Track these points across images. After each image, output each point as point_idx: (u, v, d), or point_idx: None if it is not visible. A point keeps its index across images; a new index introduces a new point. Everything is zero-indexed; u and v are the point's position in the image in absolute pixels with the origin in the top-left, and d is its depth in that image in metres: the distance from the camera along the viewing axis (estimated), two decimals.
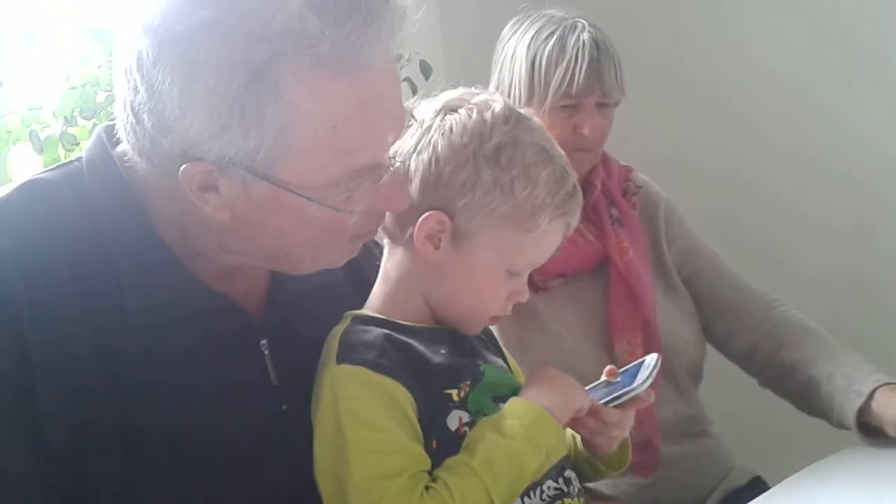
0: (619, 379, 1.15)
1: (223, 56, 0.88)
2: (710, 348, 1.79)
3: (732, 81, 1.75)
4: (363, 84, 0.92)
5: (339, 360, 1.04)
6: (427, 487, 1.00)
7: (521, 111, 1.12)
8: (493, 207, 1.06)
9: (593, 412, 1.10)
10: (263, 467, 1.03)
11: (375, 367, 1.02)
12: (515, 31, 1.69)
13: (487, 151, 1.06)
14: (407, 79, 1.80)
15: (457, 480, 0.99)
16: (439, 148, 1.07)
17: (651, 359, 1.14)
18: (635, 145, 1.90)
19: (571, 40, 1.61)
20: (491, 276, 1.10)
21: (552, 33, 1.63)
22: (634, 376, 1.12)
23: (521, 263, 1.11)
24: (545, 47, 1.62)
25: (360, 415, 1.01)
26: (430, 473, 1.02)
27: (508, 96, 1.62)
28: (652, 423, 1.60)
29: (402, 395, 1.02)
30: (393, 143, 1.00)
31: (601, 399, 1.11)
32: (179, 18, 0.89)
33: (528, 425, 1.03)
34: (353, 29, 0.90)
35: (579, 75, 1.59)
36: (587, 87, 1.61)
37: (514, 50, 1.66)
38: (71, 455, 0.95)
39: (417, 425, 1.02)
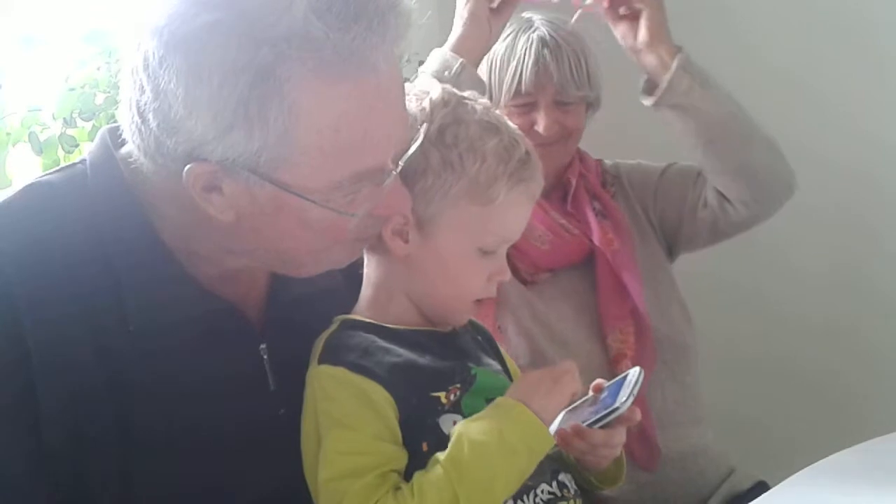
0: (604, 394, 1.12)
1: (228, 58, 0.88)
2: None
3: (732, 78, 1.75)
4: (367, 88, 0.93)
5: (321, 361, 1.04)
6: (398, 488, 0.98)
7: (464, 94, 1.12)
8: (448, 187, 1.06)
9: (579, 434, 1.08)
10: (261, 469, 1.04)
11: (355, 367, 1.02)
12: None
13: (431, 134, 1.05)
14: (406, 80, 1.80)
15: (421, 477, 0.98)
16: None
17: (633, 374, 1.10)
18: (635, 143, 1.90)
19: (521, 40, 1.68)
20: (463, 258, 1.08)
21: (508, 35, 1.69)
22: (617, 393, 1.09)
23: (491, 240, 1.09)
24: (500, 49, 1.69)
25: (333, 415, 1.01)
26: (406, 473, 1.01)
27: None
28: (646, 413, 1.60)
29: (380, 396, 1.01)
30: (397, 147, 1.00)
31: (585, 421, 1.09)
32: (185, 20, 0.89)
33: (503, 423, 0.99)
34: (359, 34, 0.89)
35: (526, 73, 1.65)
36: (536, 84, 1.66)
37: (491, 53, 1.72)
38: (71, 455, 0.95)
39: (396, 426, 1.01)
